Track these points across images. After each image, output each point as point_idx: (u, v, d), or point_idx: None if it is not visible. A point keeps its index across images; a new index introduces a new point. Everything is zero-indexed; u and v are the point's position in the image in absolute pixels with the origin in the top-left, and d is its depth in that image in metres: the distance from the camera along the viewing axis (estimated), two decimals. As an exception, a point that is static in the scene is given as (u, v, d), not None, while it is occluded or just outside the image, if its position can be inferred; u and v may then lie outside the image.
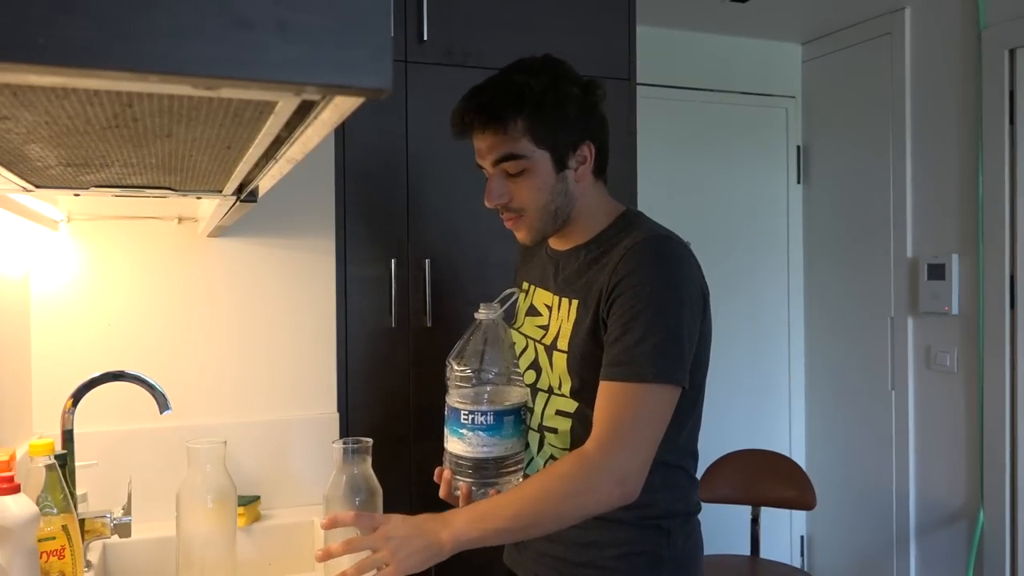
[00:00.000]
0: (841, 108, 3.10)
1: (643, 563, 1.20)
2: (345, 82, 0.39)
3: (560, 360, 1.20)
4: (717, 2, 2.78)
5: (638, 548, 1.19)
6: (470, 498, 1.16)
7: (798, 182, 3.30)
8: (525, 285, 1.36)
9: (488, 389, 1.17)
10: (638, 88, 2.18)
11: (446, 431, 1.21)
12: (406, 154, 1.97)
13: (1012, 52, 2.43)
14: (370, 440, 1.27)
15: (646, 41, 2.61)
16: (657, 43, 2.98)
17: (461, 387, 1.18)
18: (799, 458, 3.24)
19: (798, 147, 3.29)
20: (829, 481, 3.09)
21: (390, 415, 1.97)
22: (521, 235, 1.24)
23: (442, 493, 1.19)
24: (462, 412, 1.17)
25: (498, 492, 1.15)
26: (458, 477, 1.18)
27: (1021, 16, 2.39)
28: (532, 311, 1.31)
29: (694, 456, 1.26)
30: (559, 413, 1.22)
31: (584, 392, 1.17)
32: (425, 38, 1.94)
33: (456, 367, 1.19)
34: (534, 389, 1.26)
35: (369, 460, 1.28)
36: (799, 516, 3.25)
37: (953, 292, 2.60)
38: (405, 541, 1.04)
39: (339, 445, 1.25)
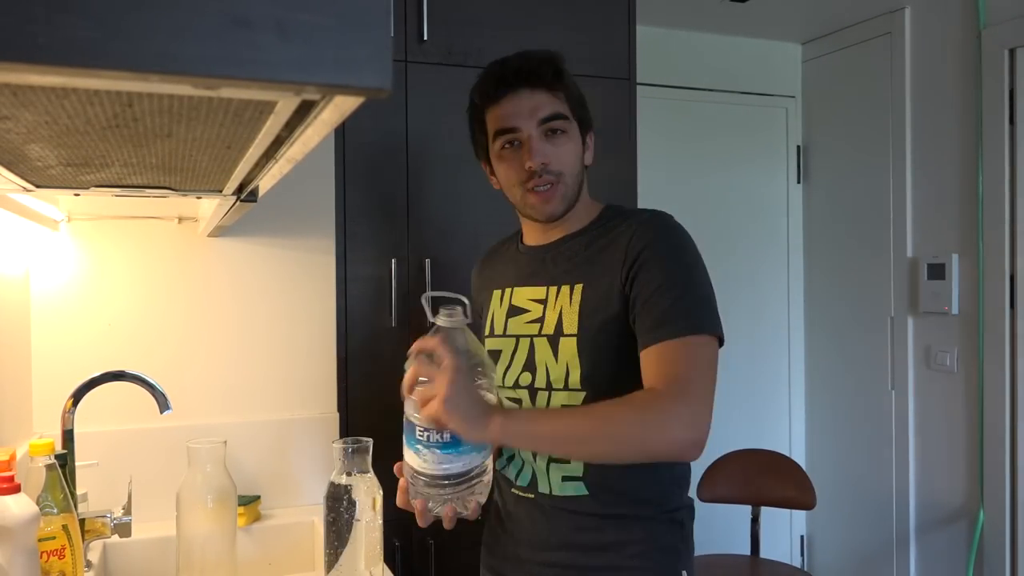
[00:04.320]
0: (841, 108, 3.10)
1: (665, 560, 1.19)
2: (345, 82, 0.39)
3: (569, 345, 1.18)
4: (717, 2, 2.78)
5: (659, 544, 1.18)
6: (426, 513, 1.09)
7: (798, 182, 3.30)
8: (497, 292, 1.33)
9: None
10: (638, 88, 2.18)
11: (404, 443, 1.14)
12: (406, 154, 1.97)
13: (1012, 52, 2.43)
14: (370, 440, 1.27)
15: (646, 41, 2.61)
16: (657, 43, 2.98)
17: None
18: (799, 458, 3.24)
19: (798, 147, 3.29)
20: (829, 481, 3.09)
21: (390, 415, 1.96)
22: (551, 206, 1.22)
23: (399, 501, 1.14)
24: (417, 428, 1.09)
25: (455, 508, 1.09)
26: (414, 490, 1.11)
27: (1021, 16, 2.39)
28: (515, 311, 1.28)
29: None
30: (565, 408, 1.19)
31: (594, 377, 1.16)
32: (425, 38, 1.95)
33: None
34: (532, 390, 1.23)
35: (369, 460, 1.28)
36: (799, 516, 3.25)
37: (953, 292, 2.60)
38: (463, 390, 1.00)
39: (339, 445, 1.25)
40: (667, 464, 1.16)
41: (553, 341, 1.20)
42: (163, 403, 1.42)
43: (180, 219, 1.73)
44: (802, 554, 3.27)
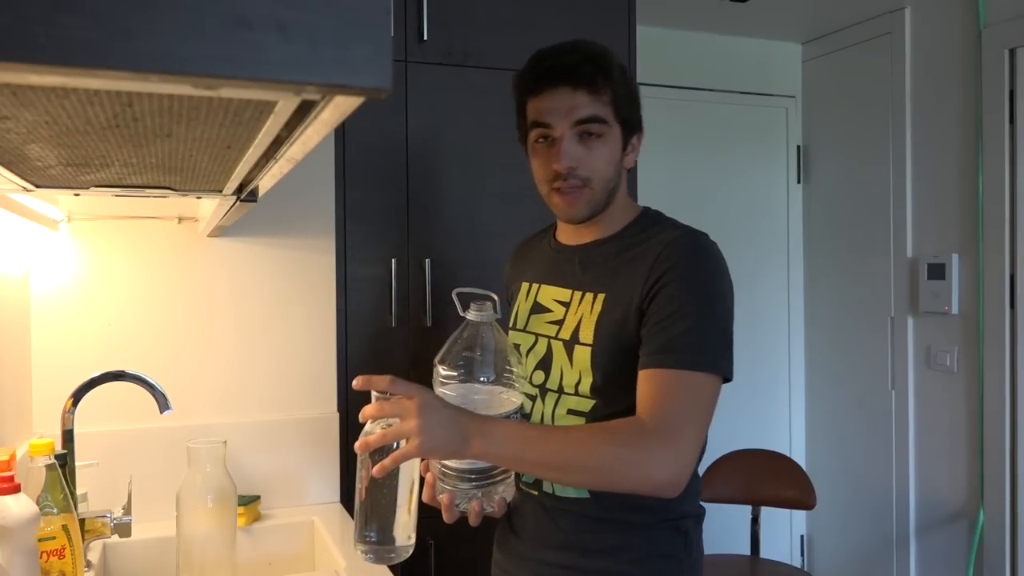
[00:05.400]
0: (841, 108, 3.10)
1: (664, 567, 1.17)
2: (345, 82, 0.39)
3: (583, 354, 1.16)
4: (717, 2, 2.78)
5: (658, 551, 1.16)
6: (452, 508, 1.10)
7: (798, 182, 3.30)
8: (525, 285, 1.31)
9: (476, 398, 1.10)
10: (638, 88, 2.18)
11: None
12: (406, 154, 1.97)
13: (1012, 52, 2.43)
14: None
15: (646, 41, 2.61)
16: (657, 43, 2.98)
17: (448, 393, 1.11)
18: (799, 458, 3.24)
19: (798, 147, 3.29)
20: (829, 481, 3.09)
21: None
22: (575, 210, 1.18)
23: (425, 496, 1.13)
24: None
25: (482, 503, 1.11)
26: (442, 484, 1.11)
27: (1021, 16, 2.39)
28: (539, 308, 1.26)
29: (702, 452, 1.23)
30: (571, 412, 1.18)
31: (605, 388, 1.14)
32: (425, 38, 1.95)
33: (443, 370, 1.12)
34: (543, 389, 1.21)
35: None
36: (799, 516, 3.25)
37: (953, 292, 2.60)
38: (437, 423, 0.96)
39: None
40: None
41: (569, 347, 1.18)
42: (163, 403, 1.42)
43: (180, 219, 1.73)
44: (802, 554, 3.27)
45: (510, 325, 1.31)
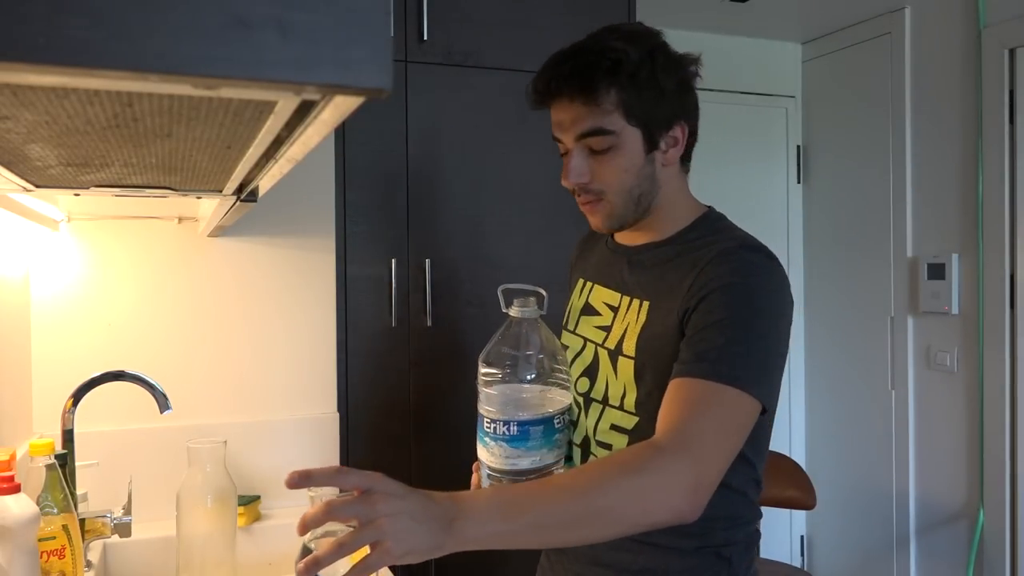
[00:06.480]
0: (841, 108, 3.10)
1: None
2: (345, 82, 0.39)
3: (627, 367, 1.08)
4: (717, 2, 2.78)
5: None
6: None
7: (798, 182, 3.30)
8: (581, 282, 1.23)
9: (516, 397, 1.04)
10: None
11: (477, 435, 1.10)
12: (406, 154, 1.97)
13: (1012, 52, 2.43)
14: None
15: (646, 41, 2.61)
16: (657, 43, 2.97)
17: (488, 392, 1.05)
18: (799, 458, 3.24)
19: (798, 147, 3.29)
20: (829, 481, 3.09)
21: (390, 415, 1.97)
22: (596, 221, 1.11)
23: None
24: (485, 420, 1.05)
25: None
26: (486, 486, 1.05)
27: (1021, 16, 2.39)
28: (589, 310, 1.18)
29: (758, 484, 1.13)
30: (614, 428, 1.09)
31: (648, 404, 1.05)
32: (425, 38, 1.95)
33: (484, 368, 1.06)
34: (587, 399, 1.13)
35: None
36: (799, 516, 3.25)
37: (953, 292, 2.60)
38: (409, 517, 0.76)
39: (311, 493, 1.08)
40: (720, 495, 0.96)
41: (613, 357, 1.11)
42: (163, 403, 1.42)
43: (180, 219, 1.73)
44: (802, 554, 3.27)
45: (562, 324, 1.23)
